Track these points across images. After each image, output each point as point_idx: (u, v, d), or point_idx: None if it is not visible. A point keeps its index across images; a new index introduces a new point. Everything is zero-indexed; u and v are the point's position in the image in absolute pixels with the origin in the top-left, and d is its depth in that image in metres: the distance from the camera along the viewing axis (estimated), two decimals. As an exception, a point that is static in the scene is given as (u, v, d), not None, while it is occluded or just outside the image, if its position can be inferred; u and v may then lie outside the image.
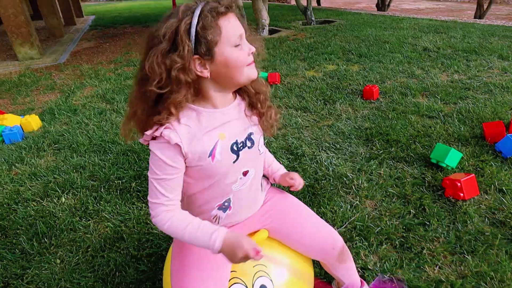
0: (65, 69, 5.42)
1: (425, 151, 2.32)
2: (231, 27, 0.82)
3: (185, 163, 0.88)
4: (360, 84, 3.70)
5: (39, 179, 2.32)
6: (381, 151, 2.37)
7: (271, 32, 7.43)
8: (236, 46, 0.84)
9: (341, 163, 2.27)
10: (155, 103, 0.84)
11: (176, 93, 0.81)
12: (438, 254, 1.53)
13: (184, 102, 0.84)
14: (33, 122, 3.06)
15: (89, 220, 1.89)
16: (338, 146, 2.50)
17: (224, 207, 0.99)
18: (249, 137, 0.96)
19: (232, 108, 0.94)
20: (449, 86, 3.48)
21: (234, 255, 0.83)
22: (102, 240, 1.74)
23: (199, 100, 0.89)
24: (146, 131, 0.86)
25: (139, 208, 1.95)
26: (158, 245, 1.67)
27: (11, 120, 3.03)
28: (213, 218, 1.00)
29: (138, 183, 2.16)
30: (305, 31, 7.06)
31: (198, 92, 0.88)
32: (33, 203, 2.06)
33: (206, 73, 0.84)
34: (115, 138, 2.80)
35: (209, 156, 0.88)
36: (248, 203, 1.06)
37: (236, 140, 0.93)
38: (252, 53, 0.87)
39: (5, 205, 2.06)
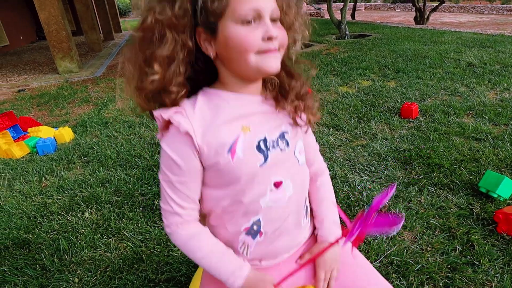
0: (100, 82, 5.63)
1: (472, 178, 2.09)
2: None
3: (201, 162, 0.74)
4: (398, 102, 3.50)
5: (66, 192, 2.33)
6: (421, 176, 2.16)
7: (303, 46, 7.36)
8: (246, 23, 0.64)
9: (376, 187, 2.09)
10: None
11: (159, 47, 0.65)
12: (492, 303, 1.32)
13: (178, 68, 0.67)
14: (65, 134, 3.14)
15: (110, 238, 1.85)
16: (373, 168, 2.32)
17: (253, 232, 0.79)
18: (282, 136, 0.78)
19: (261, 99, 0.77)
20: (499, 105, 3.20)
21: None
22: (121, 260, 1.69)
23: (218, 85, 0.75)
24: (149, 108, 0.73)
25: (160, 227, 1.89)
26: (178, 269, 1.60)
27: (45, 132, 3.12)
28: (240, 247, 0.82)
29: (161, 201, 2.11)
30: (338, 46, 6.93)
31: (216, 75, 0.75)
32: (58, 217, 2.06)
33: (210, 51, 0.69)
34: (142, 152, 2.79)
35: (228, 152, 0.71)
36: (286, 229, 0.82)
37: (265, 138, 0.74)
38: (270, 38, 0.66)
39: (31, 218, 2.07)
